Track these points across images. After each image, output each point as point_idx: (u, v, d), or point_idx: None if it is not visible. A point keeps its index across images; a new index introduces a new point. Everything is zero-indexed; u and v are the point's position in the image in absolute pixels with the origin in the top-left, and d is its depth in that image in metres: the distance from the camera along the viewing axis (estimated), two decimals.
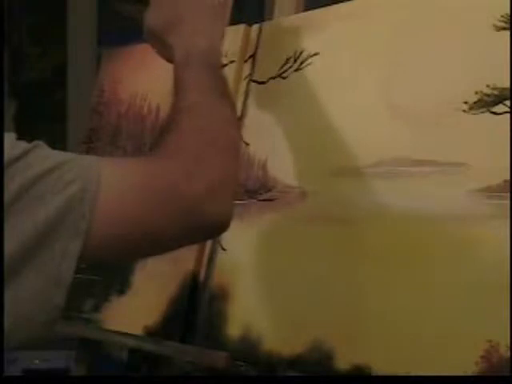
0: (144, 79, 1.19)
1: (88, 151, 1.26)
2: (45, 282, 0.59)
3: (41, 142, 0.64)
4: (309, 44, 0.94)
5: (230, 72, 1.04)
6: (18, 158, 0.60)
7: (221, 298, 0.93)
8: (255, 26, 1.05)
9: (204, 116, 0.72)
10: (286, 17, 1.02)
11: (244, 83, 1.02)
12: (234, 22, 1.11)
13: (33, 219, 0.59)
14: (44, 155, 0.62)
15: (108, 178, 0.63)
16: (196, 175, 0.66)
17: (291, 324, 0.84)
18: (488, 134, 0.72)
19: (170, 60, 0.81)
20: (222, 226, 0.69)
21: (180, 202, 0.65)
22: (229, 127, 0.73)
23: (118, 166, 0.66)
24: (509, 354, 0.64)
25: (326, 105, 0.90)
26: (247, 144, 0.98)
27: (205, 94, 0.74)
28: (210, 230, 0.69)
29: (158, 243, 0.67)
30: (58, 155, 0.63)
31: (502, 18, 0.74)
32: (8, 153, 0.60)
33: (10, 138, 0.62)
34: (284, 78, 0.96)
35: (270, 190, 0.93)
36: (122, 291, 1.08)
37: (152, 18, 0.83)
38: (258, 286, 0.90)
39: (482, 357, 0.66)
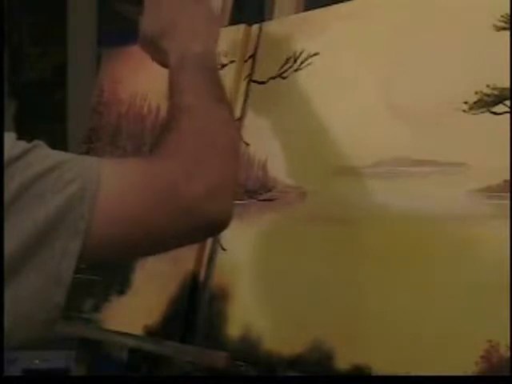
0: (144, 79, 1.19)
1: (88, 151, 1.26)
2: (45, 281, 0.60)
3: (41, 142, 0.64)
4: (309, 44, 0.94)
5: (229, 72, 1.04)
6: (18, 157, 0.60)
7: (221, 298, 0.93)
8: (255, 26, 1.05)
9: (202, 117, 0.72)
10: (285, 17, 1.02)
11: (244, 83, 1.02)
12: (234, 21, 1.11)
13: (33, 218, 0.59)
14: (44, 154, 0.62)
15: (108, 177, 0.63)
16: (195, 175, 0.66)
17: (291, 324, 0.84)
18: (488, 134, 0.72)
19: (165, 65, 0.81)
20: (222, 225, 0.69)
21: (179, 201, 0.65)
22: (227, 128, 0.74)
23: (118, 166, 0.67)
24: (509, 353, 0.64)
25: (325, 105, 0.90)
26: (247, 144, 0.98)
27: (201, 96, 0.74)
28: (210, 229, 0.69)
29: (158, 242, 0.67)
30: (57, 155, 0.63)
31: (502, 18, 0.74)
32: (8, 152, 0.60)
33: (10, 137, 0.62)
34: (284, 78, 0.96)
35: (270, 190, 0.93)
36: (122, 291, 1.08)
37: (147, 24, 0.84)
38: (257, 286, 0.90)
39: (482, 357, 0.66)
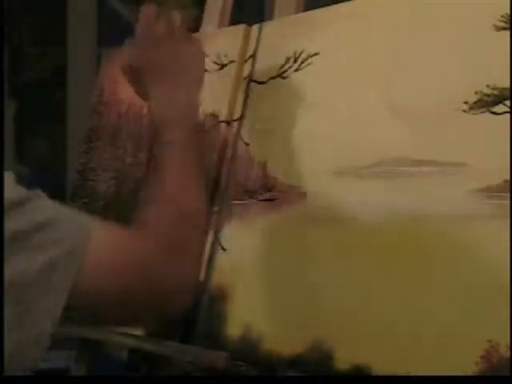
0: None
1: (88, 151, 1.26)
2: (26, 340, 0.60)
3: (39, 192, 0.65)
4: (309, 44, 0.94)
5: (229, 72, 1.04)
6: (14, 204, 0.61)
7: (221, 298, 0.93)
8: (255, 26, 1.05)
9: (175, 188, 0.76)
10: (285, 17, 1.02)
11: (244, 83, 1.02)
12: (234, 22, 1.11)
13: (21, 269, 0.60)
14: (39, 207, 0.63)
15: (96, 244, 0.65)
16: (169, 259, 0.71)
17: (291, 324, 0.84)
18: (488, 134, 0.72)
19: (143, 98, 0.83)
20: (182, 304, 0.74)
21: (153, 281, 0.69)
22: (197, 201, 0.78)
23: (106, 234, 0.68)
24: (509, 353, 0.64)
25: (325, 105, 0.90)
26: (247, 144, 0.98)
27: (178, 165, 0.78)
28: (169, 312, 0.75)
29: (131, 316, 0.71)
30: (51, 210, 0.64)
31: (502, 18, 0.74)
32: (7, 195, 0.60)
33: (9, 178, 0.63)
34: (284, 78, 0.96)
35: (270, 190, 0.93)
36: None
37: (136, 54, 0.85)
38: (257, 286, 0.90)
39: (482, 357, 0.66)
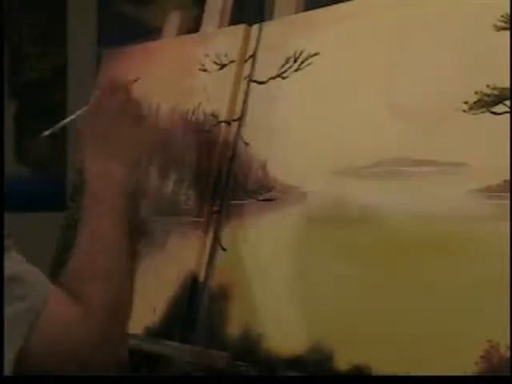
0: (144, 79, 1.18)
1: None
2: None
3: (9, 242, 0.68)
4: (309, 44, 0.94)
5: (229, 72, 1.04)
6: None
7: (221, 297, 0.93)
8: (255, 26, 1.05)
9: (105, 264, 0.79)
10: (286, 17, 1.02)
11: (244, 83, 1.02)
12: (234, 21, 1.11)
13: None
14: (8, 259, 0.67)
15: (51, 307, 0.69)
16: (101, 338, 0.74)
17: (291, 324, 0.84)
18: (488, 134, 0.72)
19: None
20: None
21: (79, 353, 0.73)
22: (123, 280, 0.82)
23: (58, 304, 0.71)
24: (509, 353, 0.64)
25: (325, 105, 0.90)
26: (247, 144, 0.98)
27: (107, 241, 0.80)
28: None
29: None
30: (16, 265, 0.68)
31: (502, 18, 0.74)
32: None
33: None
34: (284, 78, 0.96)
35: (270, 190, 0.93)
36: None
37: (86, 119, 0.91)
38: (258, 286, 0.90)
39: (482, 357, 0.66)
